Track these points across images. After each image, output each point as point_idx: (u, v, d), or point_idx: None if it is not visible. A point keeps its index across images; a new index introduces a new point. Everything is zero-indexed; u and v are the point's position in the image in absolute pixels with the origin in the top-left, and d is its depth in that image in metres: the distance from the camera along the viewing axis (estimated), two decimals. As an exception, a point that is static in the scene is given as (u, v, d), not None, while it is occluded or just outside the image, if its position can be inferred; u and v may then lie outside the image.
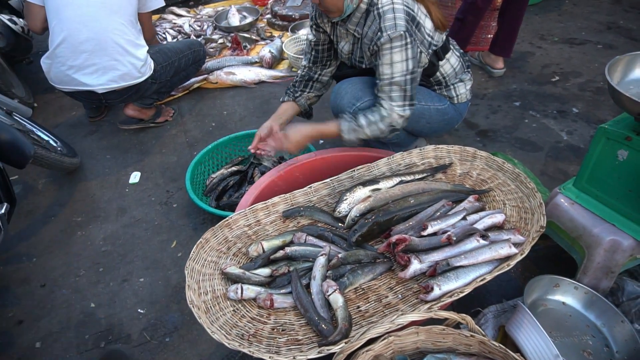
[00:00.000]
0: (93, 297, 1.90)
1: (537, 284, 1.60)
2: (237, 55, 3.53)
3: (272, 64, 3.34)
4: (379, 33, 1.70)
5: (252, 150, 1.96)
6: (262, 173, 2.18)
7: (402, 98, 1.74)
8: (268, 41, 3.72)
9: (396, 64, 1.70)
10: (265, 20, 4.11)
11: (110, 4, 2.34)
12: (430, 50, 1.87)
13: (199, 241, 1.48)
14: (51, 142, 2.52)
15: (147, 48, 2.51)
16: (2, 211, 1.67)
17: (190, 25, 4.02)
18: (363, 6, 1.78)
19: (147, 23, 2.65)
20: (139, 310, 1.82)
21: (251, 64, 3.39)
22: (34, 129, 2.47)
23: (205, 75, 3.23)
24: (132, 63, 2.42)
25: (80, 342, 1.73)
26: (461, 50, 2.03)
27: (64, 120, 3.10)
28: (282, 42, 3.55)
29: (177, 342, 1.69)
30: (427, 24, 1.81)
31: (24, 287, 1.97)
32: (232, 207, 2.10)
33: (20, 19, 3.05)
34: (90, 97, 2.52)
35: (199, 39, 3.78)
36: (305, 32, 3.71)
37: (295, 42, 3.47)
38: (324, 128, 1.88)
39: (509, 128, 2.62)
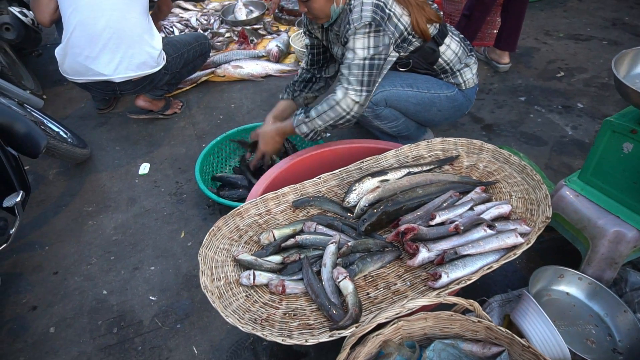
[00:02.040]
0: (105, 284, 1.93)
1: (542, 275, 1.63)
2: (244, 49, 3.56)
3: (279, 58, 3.37)
4: (347, 25, 1.74)
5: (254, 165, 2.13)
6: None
7: (358, 83, 1.74)
8: (275, 35, 3.75)
9: (358, 49, 1.71)
10: (272, 15, 4.12)
11: None
12: (408, 47, 1.88)
13: (211, 229, 1.52)
14: (61, 133, 2.56)
15: (161, 38, 2.54)
16: (19, 199, 1.70)
17: (197, 19, 4.04)
18: (345, 7, 1.82)
19: (168, 2, 2.79)
20: (150, 297, 1.86)
21: (258, 57, 3.42)
22: (45, 120, 2.50)
23: (213, 69, 3.26)
24: (149, 52, 2.46)
25: (94, 328, 1.77)
26: (461, 35, 2.04)
27: (73, 112, 3.13)
28: (289, 37, 3.57)
29: (188, 329, 1.73)
30: (405, 20, 1.80)
31: (37, 274, 2.00)
32: (240, 199, 2.14)
33: (30, 12, 3.07)
34: (104, 87, 2.55)
35: (206, 33, 3.81)
36: (311, 27, 3.73)
37: (302, 37, 3.49)
38: (284, 125, 1.95)
39: (514, 122, 2.64)
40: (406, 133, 2.15)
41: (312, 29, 2.07)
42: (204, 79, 3.22)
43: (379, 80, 1.82)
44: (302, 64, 2.24)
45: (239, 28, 3.79)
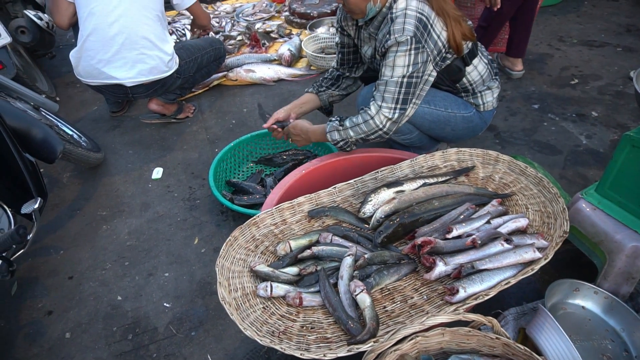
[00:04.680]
0: (120, 290, 1.95)
1: (557, 288, 1.63)
2: (256, 52, 3.56)
3: (291, 62, 3.37)
4: (387, 35, 1.72)
5: (266, 127, 2.06)
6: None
7: (393, 100, 1.74)
8: (286, 39, 3.75)
9: (397, 67, 1.71)
10: (283, 17, 4.13)
11: (141, 0, 2.39)
12: (442, 63, 1.88)
13: (228, 239, 1.52)
14: (75, 136, 2.57)
15: (173, 43, 2.56)
16: (37, 205, 1.71)
17: (209, 21, 4.05)
18: (385, 10, 1.81)
19: (198, 10, 2.78)
20: (164, 304, 1.87)
21: (270, 61, 3.42)
22: (59, 124, 2.52)
23: (225, 72, 3.26)
24: (160, 57, 2.47)
25: (109, 334, 1.78)
26: (490, 57, 2.04)
27: (86, 115, 3.16)
28: (301, 40, 3.57)
29: (203, 337, 1.73)
30: (444, 35, 1.80)
31: (53, 279, 2.02)
32: (252, 206, 2.15)
33: (45, 15, 3.09)
34: (117, 90, 2.57)
35: (218, 36, 3.82)
36: (323, 30, 3.73)
37: (313, 41, 3.50)
38: (316, 128, 1.94)
39: (527, 131, 2.63)
40: (419, 145, 2.14)
41: (345, 26, 2.06)
42: (216, 82, 3.23)
43: (417, 100, 1.80)
44: (333, 64, 2.24)
45: (252, 31, 3.79)
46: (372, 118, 1.77)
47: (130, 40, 2.39)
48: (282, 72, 3.27)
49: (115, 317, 1.84)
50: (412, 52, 1.70)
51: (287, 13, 4.11)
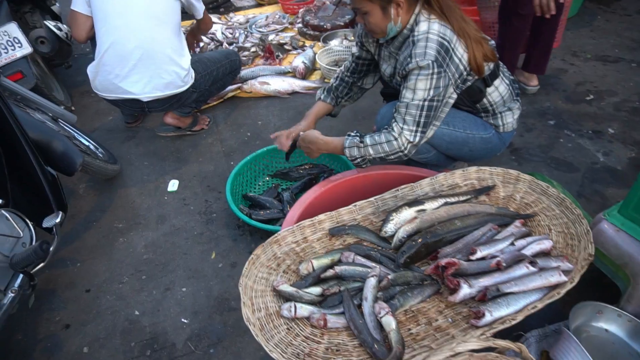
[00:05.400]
0: (137, 304, 1.94)
1: (580, 311, 1.61)
2: (270, 64, 3.57)
3: (305, 74, 3.38)
4: (408, 59, 1.73)
5: (273, 137, 2.13)
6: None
7: (414, 123, 1.75)
8: (300, 51, 3.76)
9: (418, 90, 1.72)
10: (296, 29, 4.15)
11: (159, 15, 2.41)
12: (462, 85, 1.88)
13: (250, 257, 1.52)
14: (92, 147, 2.58)
15: (190, 57, 2.57)
16: (58, 220, 1.72)
17: (222, 32, 4.08)
18: (406, 32, 1.82)
19: (207, 17, 2.82)
20: (182, 319, 1.86)
21: (284, 73, 3.43)
22: (76, 135, 2.53)
23: (239, 84, 3.27)
24: (177, 72, 2.49)
25: (127, 349, 1.77)
26: (512, 78, 2.03)
27: (101, 125, 3.17)
28: (315, 53, 3.58)
29: (222, 354, 1.73)
30: (465, 57, 1.80)
31: (70, 292, 2.02)
32: (269, 221, 2.15)
33: (64, 25, 3.14)
34: (133, 105, 2.59)
35: (231, 47, 3.83)
36: (337, 43, 3.74)
37: (328, 53, 3.51)
38: (332, 140, 1.94)
39: (544, 147, 2.62)
40: (436, 163, 2.14)
41: (365, 42, 2.07)
42: (230, 94, 3.24)
43: (437, 122, 1.81)
44: (342, 68, 2.24)
45: (266, 43, 3.81)
46: (395, 139, 1.78)
47: (147, 55, 2.40)
48: (297, 84, 3.28)
49: (133, 332, 1.83)
50: (434, 76, 1.71)
51: (300, 25, 4.12)
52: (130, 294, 1.99)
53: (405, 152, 1.80)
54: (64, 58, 3.36)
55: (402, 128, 1.77)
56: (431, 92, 1.73)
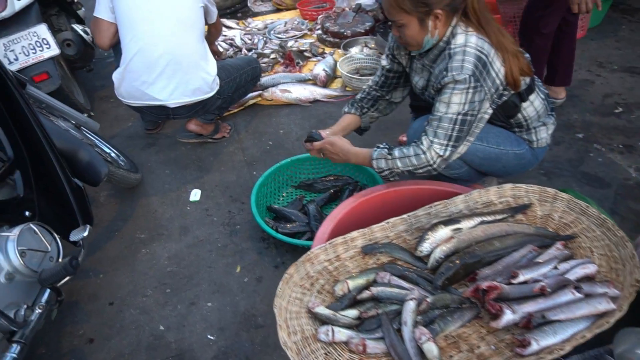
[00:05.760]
0: (161, 319, 1.90)
1: (625, 337, 1.55)
2: (290, 71, 3.54)
3: (327, 82, 3.34)
4: (444, 72, 1.69)
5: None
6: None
7: (446, 137, 1.71)
8: (320, 58, 3.72)
9: (453, 104, 1.68)
10: (315, 36, 4.11)
11: (185, 20, 2.38)
12: (498, 100, 1.83)
13: (284, 276, 1.48)
14: (114, 155, 2.55)
15: (215, 63, 2.54)
16: (86, 233, 1.69)
17: (241, 38, 4.05)
18: (442, 44, 1.77)
19: (219, 24, 2.81)
20: (208, 336, 1.82)
21: (304, 81, 3.39)
22: (99, 143, 2.50)
23: (260, 92, 3.24)
24: (204, 78, 2.46)
25: (152, 366, 1.74)
26: (546, 92, 1.98)
27: (121, 131, 3.15)
28: (335, 60, 3.54)
29: (250, 373, 1.69)
30: (502, 72, 1.75)
31: (93, 304, 1.99)
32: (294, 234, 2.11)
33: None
34: (159, 111, 2.56)
35: (250, 53, 3.80)
36: (357, 50, 3.70)
37: (349, 61, 3.46)
38: (361, 151, 1.89)
39: (573, 162, 2.56)
40: (466, 178, 2.09)
41: (397, 54, 2.02)
42: (251, 102, 3.20)
43: (470, 138, 1.76)
44: (370, 83, 2.19)
45: (287, 50, 3.77)
46: (423, 153, 1.73)
47: (175, 61, 2.37)
48: (318, 92, 3.24)
49: (158, 349, 1.80)
50: (470, 90, 1.66)
51: (319, 31, 4.09)
52: (155, 308, 1.95)
53: (435, 166, 1.75)
54: (86, 62, 3.37)
55: (431, 141, 1.72)
56: (466, 107, 1.68)
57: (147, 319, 1.91)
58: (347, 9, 4.30)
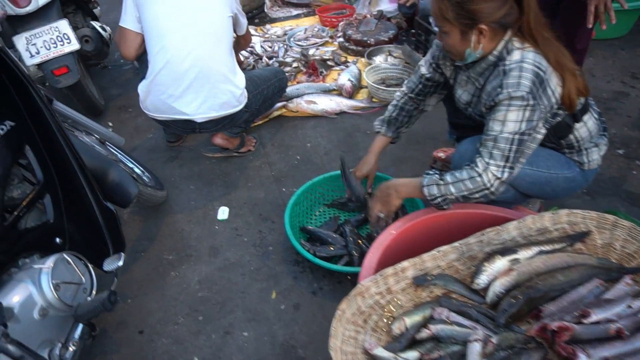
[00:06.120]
0: (195, 349, 1.81)
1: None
2: (314, 81, 3.44)
3: (353, 93, 3.24)
4: (499, 89, 1.58)
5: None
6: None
7: (502, 158, 1.60)
8: (343, 67, 3.62)
9: (509, 122, 1.57)
10: (337, 43, 4.01)
11: (215, 32, 2.30)
12: (552, 120, 1.73)
13: (336, 313, 1.38)
14: (137, 170, 2.45)
15: (244, 76, 2.45)
16: (121, 263, 1.59)
17: (261, 46, 3.95)
18: (491, 58, 1.68)
19: (249, 35, 2.71)
20: (246, 369, 1.73)
21: (329, 91, 3.30)
22: (124, 159, 2.41)
23: (285, 103, 3.14)
24: (232, 91, 2.37)
25: (189, 402, 1.64)
26: (599, 111, 1.88)
27: (141, 143, 3.05)
28: (359, 69, 3.45)
29: (294, 412, 1.59)
30: (558, 91, 1.66)
31: (122, 332, 1.89)
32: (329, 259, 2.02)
33: (108, 27, 3.41)
34: (185, 126, 2.47)
35: (271, 62, 3.71)
36: (381, 59, 3.60)
37: (374, 71, 3.36)
38: (410, 180, 1.79)
39: (615, 179, 2.46)
40: (511, 202, 1.99)
41: (442, 64, 1.93)
42: (276, 113, 3.10)
43: (523, 160, 1.66)
44: (404, 90, 2.08)
45: (310, 59, 3.67)
46: (479, 175, 1.62)
47: (203, 74, 2.28)
48: (344, 104, 3.14)
49: (194, 383, 1.70)
50: (528, 108, 1.56)
51: (341, 39, 3.99)
52: (188, 337, 1.85)
53: (492, 189, 1.64)
54: (101, 58, 3.50)
55: (487, 163, 1.61)
56: (523, 126, 1.58)
57: (180, 349, 1.81)
58: (368, 15, 4.21)
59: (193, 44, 2.25)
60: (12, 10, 2.60)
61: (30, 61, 2.70)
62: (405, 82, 2.10)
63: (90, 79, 3.41)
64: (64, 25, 2.75)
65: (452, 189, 1.66)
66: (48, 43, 2.72)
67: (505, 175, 1.62)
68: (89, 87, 3.21)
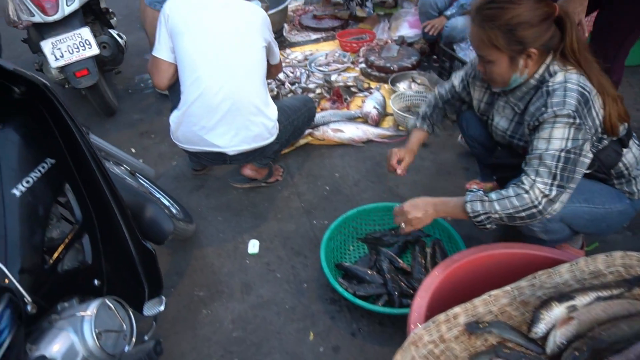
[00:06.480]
0: (233, 394, 1.74)
1: None
2: (337, 108, 3.41)
3: (379, 121, 3.20)
4: (542, 108, 1.56)
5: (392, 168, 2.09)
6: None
7: (550, 175, 1.54)
8: (366, 93, 3.60)
9: (554, 139, 1.54)
10: (358, 69, 4.00)
11: (249, 63, 2.27)
12: (597, 144, 1.69)
13: (391, 367, 1.31)
14: (165, 202, 2.40)
15: (276, 107, 2.41)
16: (162, 307, 1.54)
17: (282, 71, 3.94)
18: (532, 82, 1.68)
19: (280, 64, 2.71)
20: (289, 419, 1.65)
21: (354, 119, 3.26)
22: (154, 191, 2.36)
23: (311, 131, 3.10)
24: (264, 124, 2.33)
25: None
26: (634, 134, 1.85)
27: (165, 171, 3.01)
28: (383, 96, 3.41)
29: None
30: (601, 114, 1.63)
31: (155, 375, 1.82)
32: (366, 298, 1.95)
33: (124, 35, 3.68)
34: (215, 157, 2.43)
35: (294, 87, 3.69)
36: (405, 86, 3.57)
37: (400, 99, 3.33)
38: (449, 199, 1.74)
39: (655, 213, 2.39)
40: (563, 241, 1.93)
41: (471, 84, 1.94)
42: (302, 142, 3.06)
43: (573, 185, 1.58)
44: (436, 94, 2.18)
45: (334, 86, 3.64)
46: (526, 192, 1.56)
47: (236, 106, 2.24)
48: (371, 132, 3.10)
49: None
50: (573, 126, 1.53)
51: (362, 65, 3.97)
52: (224, 381, 1.78)
53: (540, 207, 1.56)
54: (116, 64, 3.71)
55: (534, 180, 1.56)
56: (569, 143, 1.53)
57: (217, 395, 1.74)
58: (389, 41, 4.20)
59: (227, 75, 2.22)
60: (42, 18, 2.93)
61: (55, 63, 3.01)
62: (438, 85, 2.14)
63: (105, 82, 3.60)
64: (86, 32, 3.05)
65: (497, 207, 1.60)
66: (71, 48, 3.01)
67: (554, 193, 1.55)
68: (105, 89, 3.50)
